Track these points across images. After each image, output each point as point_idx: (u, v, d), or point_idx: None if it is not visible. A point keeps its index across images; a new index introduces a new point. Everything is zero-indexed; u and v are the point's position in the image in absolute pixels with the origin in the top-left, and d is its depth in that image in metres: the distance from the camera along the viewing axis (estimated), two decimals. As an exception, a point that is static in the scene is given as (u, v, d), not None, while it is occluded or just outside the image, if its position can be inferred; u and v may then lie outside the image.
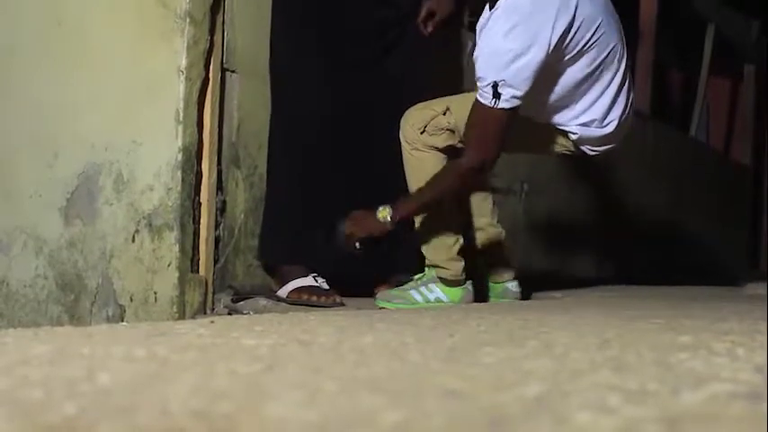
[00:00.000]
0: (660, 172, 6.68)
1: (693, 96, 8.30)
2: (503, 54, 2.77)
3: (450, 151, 3.17)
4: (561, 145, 3.15)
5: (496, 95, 2.79)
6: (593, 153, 3.16)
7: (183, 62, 3.14)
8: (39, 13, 3.48)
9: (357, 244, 3.03)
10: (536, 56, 2.78)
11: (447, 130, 3.15)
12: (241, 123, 3.37)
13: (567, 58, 2.90)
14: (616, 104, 3.06)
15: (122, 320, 3.08)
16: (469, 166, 2.95)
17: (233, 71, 3.33)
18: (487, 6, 2.89)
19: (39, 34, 3.47)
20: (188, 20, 3.14)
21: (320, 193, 3.32)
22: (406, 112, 3.19)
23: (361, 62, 3.33)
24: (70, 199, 3.30)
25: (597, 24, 2.91)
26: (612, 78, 3.03)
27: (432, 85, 3.40)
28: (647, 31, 6.93)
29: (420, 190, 3.06)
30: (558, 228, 5.25)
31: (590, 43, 2.91)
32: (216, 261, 3.21)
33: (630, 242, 6.20)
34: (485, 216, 3.41)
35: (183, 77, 3.14)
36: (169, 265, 3.05)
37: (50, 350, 1.42)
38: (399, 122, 3.20)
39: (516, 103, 2.82)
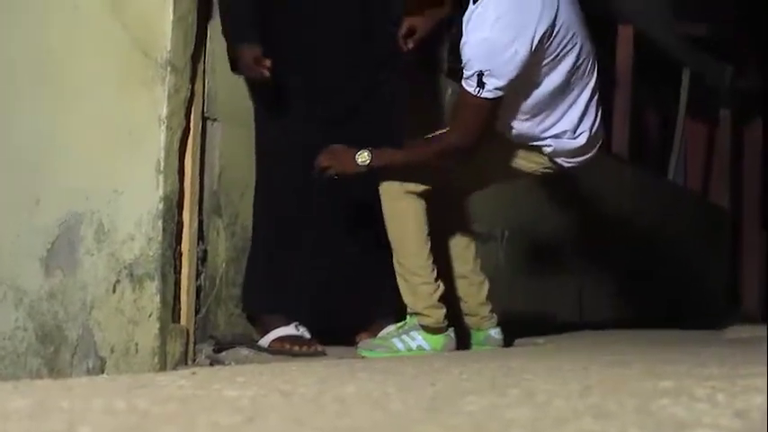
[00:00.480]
0: (639, 215, 6.72)
1: (671, 140, 8.38)
2: (489, 44, 2.82)
3: (428, 195, 3.18)
4: (537, 162, 3.17)
5: (481, 84, 2.84)
6: (570, 165, 3.19)
7: (164, 111, 3.15)
8: (20, 60, 3.49)
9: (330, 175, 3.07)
10: (521, 49, 2.83)
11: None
12: (222, 172, 3.37)
13: (546, 61, 2.94)
14: (586, 115, 3.11)
15: (103, 372, 3.06)
16: (449, 143, 3.00)
17: (214, 119, 3.34)
18: (471, 1, 2.93)
19: (20, 82, 3.48)
20: (169, 68, 3.16)
21: (301, 243, 3.32)
22: None
23: (337, 119, 3.32)
24: (51, 249, 3.29)
25: (573, 32, 2.96)
26: (583, 89, 3.08)
27: (406, 132, 3.40)
28: (623, 77, 7.00)
29: (405, 148, 3.10)
30: (539, 272, 5.26)
31: (566, 49, 2.96)
32: (197, 311, 3.20)
33: (611, 285, 6.21)
34: (467, 263, 3.42)
35: (163, 126, 3.15)
36: (150, 316, 3.04)
37: (30, 404, 1.41)
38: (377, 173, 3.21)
39: (499, 94, 2.87)
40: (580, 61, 3.01)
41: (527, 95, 3.00)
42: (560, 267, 5.57)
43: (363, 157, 3.02)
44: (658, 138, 9.26)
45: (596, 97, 3.13)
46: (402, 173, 3.09)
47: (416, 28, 3.27)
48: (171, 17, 3.14)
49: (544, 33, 2.86)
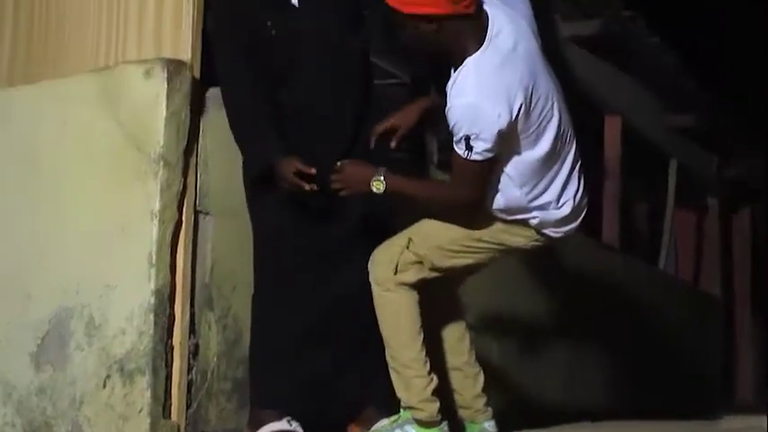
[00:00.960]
0: (631, 304, 6.71)
1: (660, 229, 8.42)
2: (472, 109, 2.84)
3: (421, 286, 3.17)
4: (525, 236, 3.17)
5: (469, 148, 2.87)
6: (558, 235, 3.20)
7: (157, 205, 3.17)
8: (13, 154, 3.51)
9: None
10: (503, 112, 2.84)
11: (416, 262, 3.17)
12: (214, 265, 3.37)
13: (530, 129, 2.95)
14: (569, 185, 3.12)
15: (92, 469, 3.02)
16: (452, 196, 3.06)
17: (206, 213, 3.35)
18: (452, 69, 2.97)
19: (13, 175, 3.50)
20: (161, 163, 3.18)
21: (296, 340, 3.30)
22: (372, 254, 3.20)
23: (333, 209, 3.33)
24: (41, 344, 3.27)
25: (552, 102, 3.00)
26: (565, 159, 3.10)
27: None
28: (611, 167, 7.07)
29: (418, 183, 3.16)
30: (531, 362, 5.23)
31: (547, 119, 2.98)
32: (188, 406, 3.17)
33: (603, 374, 6.17)
34: (462, 355, 3.39)
35: (156, 220, 3.17)
36: (141, 411, 3.00)
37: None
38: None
39: (488, 155, 2.89)
40: (561, 131, 3.05)
41: (513, 166, 3.02)
42: (552, 357, 5.54)
43: (378, 186, 3.02)
44: (648, 227, 9.32)
45: (578, 166, 3.17)
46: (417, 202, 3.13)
47: (398, 126, 3.29)
48: (164, 113, 3.18)
49: (525, 98, 2.89)
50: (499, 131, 2.85)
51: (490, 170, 2.97)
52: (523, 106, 2.88)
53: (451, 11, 2.84)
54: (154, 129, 3.19)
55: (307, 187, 3.06)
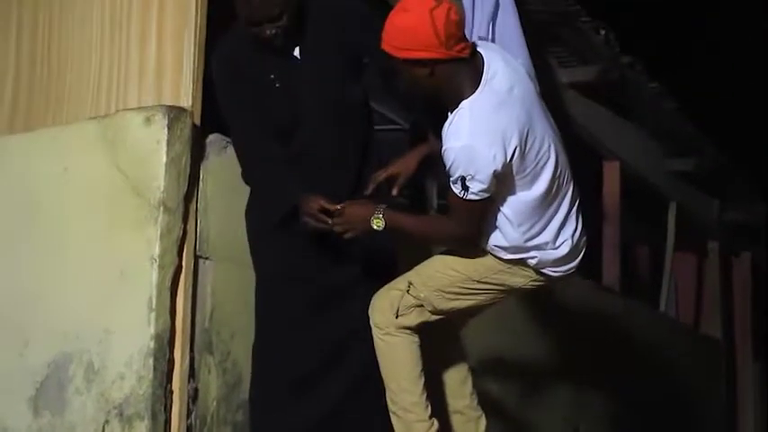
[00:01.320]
0: (632, 348, 6.70)
1: (661, 272, 8.42)
2: (467, 150, 2.85)
3: (422, 329, 3.17)
4: (525, 276, 3.17)
5: (465, 188, 2.88)
6: (558, 275, 3.19)
7: (157, 250, 3.19)
8: (14, 200, 3.53)
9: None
10: (498, 154, 2.86)
11: (416, 306, 3.17)
12: (214, 309, 3.38)
13: (527, 170, 2.96)
14: (567, 225, 3.12)
15: None
16: (449, 232, 3.07)
17: (206, 258, 3.37)
18: (449, 111, 2.99)
19: (13, 221, 3.51)
20: (162, 208, 3.20)
21: (296, 385, 3.29)
22: (372, 298, 3.21)
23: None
24: (39, 389, 3.26)
25: (549, 143, 3.02)
26: (562, 200, 3.11)
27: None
28: (611, 211, 7.08)
29: (417, 219, 3.17)
30: (532, 405, 5.21)
31: (544, 160, 2.99)
32: (188, 450, 3.16)
33: (605, 420, 6.14)
34: (464, 398, 3.38)
35: (156, 265, 3.18)
36: (139, 457, 3.00)
37: None
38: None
39: (485, 195, 2.89)
40: (558, 172, 3.05)
41: (510, 206, 3.03)
42: (554, 400, 5.52)
43: (378, 223, 3.04)
44: (648, 270, 9.31)
45: (575, 206, 3.17)
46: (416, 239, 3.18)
47: (398, 173, 3.32)
48: (164, 159, 3.20)
49: (520, 140, 2.90)
50: (494, 172, 2.87)
51: (487, 209, 2.98)
52: (519, 148, 2.90)
53: (444, 55, 2.86)
54: (154, 175, 3.21)
55: (331, 223, 3.06)
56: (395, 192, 3.30)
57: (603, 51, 6.07)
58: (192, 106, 3.36)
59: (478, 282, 3.15)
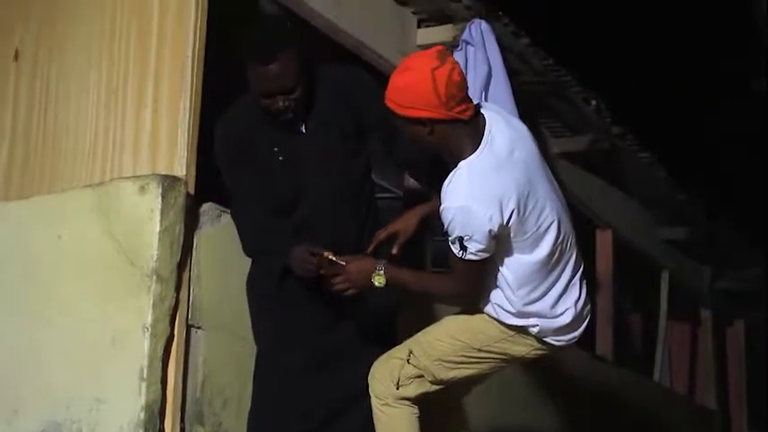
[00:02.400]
0: (626, 418, 6.65)
1: (654, 341, 8.39)
2: (464, 211, 2.83)
3: (422, 400, 3.15)
4: (527, 345, 3.14)
5: (463, 248, 2.87)
6: (560, 344, 3.16)
7: (149, 319, 3.18)
8: (7, 267, 3.53)
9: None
10: (495, 215, 2.85)
11: (417, 376, 3.15)
12: (206, 379, 3.35)
13: (526, 234, 2.95)
14: (569, 292, 3.09)
15: None
16: (448, 291, 3.09)
17: (198, 327, 3.35)
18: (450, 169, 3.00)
19: (7, 287, 3.50)
20: (155, 277, 3.20)
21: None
22: (372, 367, 3.19)
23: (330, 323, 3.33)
24: (28, 459, 3.23)
25: (551, 207, 3.00)
26: (565, 267, 3.07)
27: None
28: (604, 280, 7.08)
29: (417, 275, 3.15)
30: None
31: (546, 223, 2.97)
32: None
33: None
34: None
35: (148, 334, 3.17)
36: None
37: None
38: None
39: (483, 255, 2.88)
40: (560, 238, 3.03)
41: (510, 268, 3.01)
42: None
43: (380, 281, 3.05)
44: (642, 339, 9.28)
45: (579, 274, 3.14)
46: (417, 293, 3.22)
47: (399, 232, 3.32)
48: (158, 228, 3.21)
49: (518, 202, 2.89)
50: (491, 232, 2.86)
51: (485, 269, 2.97)
52: (517, 211, 2.88)
53: (444, 116, 2.86)
54: (147, 243, 3.22)
55: (322, 271, 3.07)
56: (395, 250, 3.31)
57: (594, 121, 6.13)
58: (187, 175, 3.38)
59: (480, 350, 3.13)
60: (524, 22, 5.24)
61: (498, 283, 3.03)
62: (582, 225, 6.74)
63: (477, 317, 3.14)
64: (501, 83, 4.71)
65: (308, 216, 3.26)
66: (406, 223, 3.33)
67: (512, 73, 4.90)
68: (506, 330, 3.10)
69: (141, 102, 3.55)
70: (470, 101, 2.93)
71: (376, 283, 3.04)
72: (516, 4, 5.35)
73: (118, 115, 3.59)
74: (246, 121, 3.25)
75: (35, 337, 3.40)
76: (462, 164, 2.89)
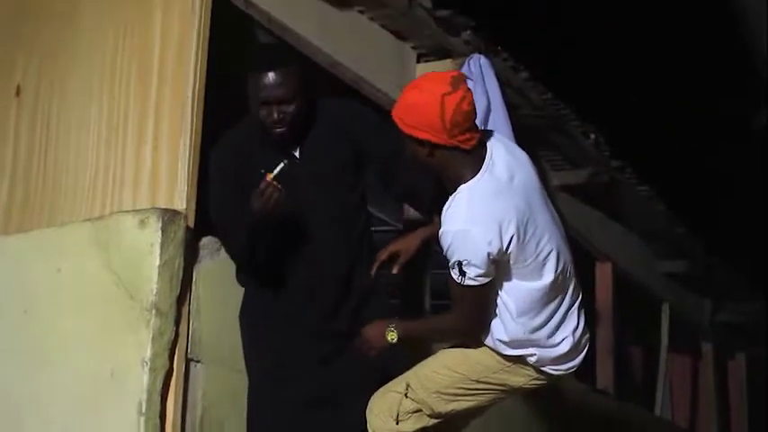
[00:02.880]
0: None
1: (655, 374, 8.37)
2: (463, 235, 2.83)
3: None
4: (526, 376, 3.13)
5: (462, 273, 2.85)
6: (559, 373, 3.14)
7: (148, 353, 3.17)
8: (6, 301, 3.53)
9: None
10: (494, 240, 2.84)
11: (415, 410, 3.13)
12: (205, 413, 3.35)
13: (526, 261, 2.94)
14: (567, 321, 3.08)
15: None
16: (455, 325, 3.06)
17: (198, 361, 3.35)
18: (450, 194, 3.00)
19: (6, 321, 3.50)
20: (154, 311, 3.20)
21: None
22: (370, 401, 3.18)
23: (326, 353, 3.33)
24: (25, 495, 3.21)
25: (551, 238, 2.99)
26: (564, 296, 3.06)
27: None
28: (604, 313, 7.07)
29: (424, 321, 3.26)
30: None
31: (545, 253, 2.96)
32: None
33: None
34: None
35: (147, 368, 3.16)
36: None
37: None
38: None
39: (483, 280, 2.87)
40: (560, 267, 3.02)
41: (511, 296, 3.00)
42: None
43: (392, 336, 3.08)
44: (643, 372, 9.25)
45: (577, 303, 3.13)
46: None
47: (399, 252, 3.32)
48: (157, 261, 3.21)
49: (518, 228, 2.88)
50: (490, 257, 2.85)
51: (486, 296, 2.96)
52: (516, 236, 2.87)
53: (446, 142, 2.86)
54: (147, 277, 3.22)
55: (276, 195, 3.02)
56: (395, 270, 3.31)
57: (594, 155, 6.15)
58: (187, 209, 3.39)
59: (478, 381, 3.12)
60: (523, 56, 5.28)
61: (498, 311, 3.02)
62: (581, 257, 6.76)
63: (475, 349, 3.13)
64: (500, 117, 4.73)
65: (299, 242, 3.26)
66: (408, 244, 3.33)
67: (511, 107, 4.93)
68: (504, 361, 3.09)
69: (142, 138, 3.56)
70: (476, 130, 2.92)
71: (390, 340, 3.08)
72: (515, 39, 5.39)
73: (118, 151, 3.61)
74: (242, 146, 3.27)
75: (34, 370, 3.40)
76: (462, 188, 2.89)
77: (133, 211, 3.38)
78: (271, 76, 3.12)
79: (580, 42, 10.06)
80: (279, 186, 3.01)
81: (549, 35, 9.70)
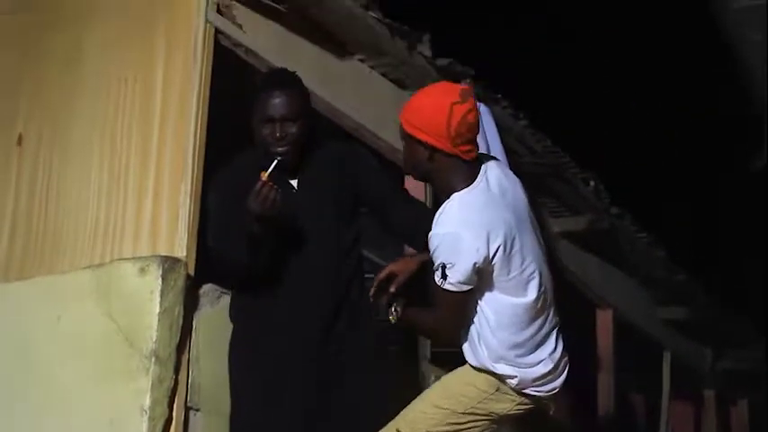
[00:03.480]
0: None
1: (657, 421, 8.33)
2: (451, 238, 2.89)
3: None
4: (510, 401, 3.13)
5: (444, 276, 2.91)
6: (541, 395, 3.15)
7: (147, 401, 3.16)
8: (6, 348, 3.52)
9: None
10: (482, 247, 2.89)
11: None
12: (203, 462, 3.33)
13: (510, 275, 2.98)
14: (545, 344, 3.11)
15: None
16: (432, 328, 3.11)
17: (197, 409, 3.34)
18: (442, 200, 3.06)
19: (6, 368, 3.50)
20: (153, 359, 3.19)
21: None
22: None
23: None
24: None
25: (535, 259, 3.04)
26: (545, 320, 3.10)
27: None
28: (605, 360, 7.05)
29: (419, 315, 3.14)
30: None
31: (528, 271, 3.01)
32: None
33: None
34: None
35: (146, 417, 3.15)
36: None
37: None
38: None
39: (462, 288, 2.92)
40: (542, 288, 3.06)
41: (493, 308, 3.03)
42: None
43: (393, 318, 3.12)
44: (645, 419, 9.21)
45: (555, 329, 3.16)
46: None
47: (397, 273, 3.33)
48: (157, 309, 3.22)
49: (505, 240, 2.94)
50: (475, 264, 2.90)
51: (465, 303, 3.00)
52: (502, 247, 2.93)
53: (447, 149, 2.94)
54: (147, 325, 3.22)
55: (273, 194, 3.01)
56: (392, 289, 3.31)
57: (593, 202, 6.17)
58: (187, 257, 3.39)
59: (465, 414, 3.11)
60: (523, 103, 5.32)
61: (479, 324, 3.05)
62: (582, 305, 6.76)
63: (455, 380, 3.15)
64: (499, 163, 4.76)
65: (290, 272, 3.24)
66: (406, 265, 3.33)
67: (510, 154, 4.96)
68: (486, 389, 3.11)
69: (143, 186, 3.58)
70: (476, 145, 3.00)
71: (390, 319, 3.11)
72: (514, 87, 5.43)
73: (119, 199, 3.63)
74: (242, 173, 3.27)
75: (33, 418, 3.39)
76: (455, 196, 2.97)
77: (134, 258, 3.39)
78: (277, 94, 3.20)
79: (580, 90, 10.12)
80: (274, 186, 3.03)
81: (548, 82, 9.76)
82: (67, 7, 4.00)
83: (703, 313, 8.19)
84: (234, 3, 3.85)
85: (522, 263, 3.00)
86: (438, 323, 3.06)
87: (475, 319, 3.06)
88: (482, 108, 4.81)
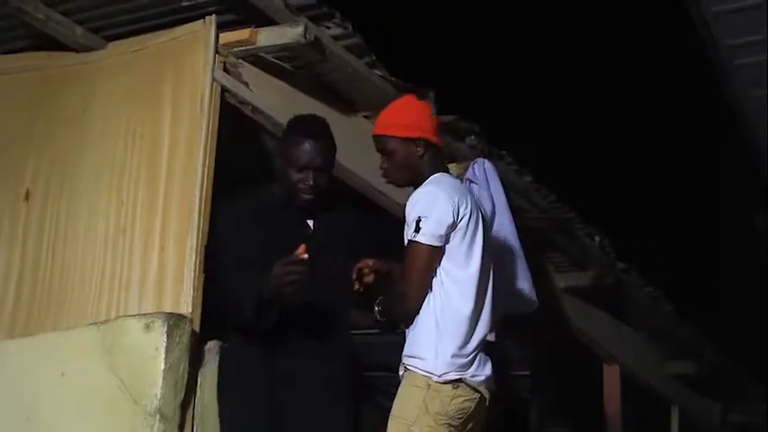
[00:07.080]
0: None
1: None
2: (430, 194, 3.12)
3: None
4: (467, 397, 3.13)
5: (417, 230, 3.08)
6: (480, 383, 3.16)
7: (154, 460, 3.14)
8: (10, 404, 3.51)
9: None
10: (453, 209, 3.09)
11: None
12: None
13: (461, 251, 3.12)
14: (478, 331, 3.17)
15: None
16: (403, 287, 3.14)
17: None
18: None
19: (10, 425, 3.48)
20: (158, 416, 3.18)
21: None
22: None
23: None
24: None
25: (481, 261, 3.16)
26: (484, 313, 3.19)
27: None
28: (612, 416, 6.99)
29: (392, 292, 3.23)
30: None
31: (474, 263, 3.14)
32: None
33: None
34: None
35: (153, 477, 3.13)
36: None
37: None
38: None
39: (435, 241, 3.07)
40: (485, 300, 3.18)
41: (452, 278, 3.13)
42: None
43: (376, 316, 3.23)
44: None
45: (490, 335, 3.26)
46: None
47: (374, 262, 3.32)
48: (162, 366, 3.21)
49: (470, 214, 3.14)
50: (450, 219, 3.09)
51: (432, 262, 3.10)
52: (467, 218, 3.13)
53: (436, 141, 3.26)
54: (151, 382, 3.21)
55: (297, 278, 3.07)
56: (367, 270, 3.32)
57: (599, 257, 6.17)
58: (192, 313, 3.40)
59: (436, 424, 3.08)
60: (527, 160, 5.34)
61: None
62: (589, 360, 6.72)
63: (406, 394, 3.12)
64: (505, 219, 4.76)
65: (292, 308, 3.24)
66: (389, 264, 3.36)
67: (515, 210, 4.97)
68: (446, 387, 3.11)
69: (149, 240, 3.60)
70: None
71: (376, 315, 3.21)
72: (518, 143, 5.46)
73: (125, 254, 3.64)
74: (254, 207, 3.37)
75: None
76: (430, 177, 3.21)
77: (138, 314, 3.39)
78: (313, 143, 3.33)
79: (583, 145, 10.18)
80: (303, 269, 3.07)
81: (552, 139, 9.82)
82: (75, 64, 4.04)
83: (711, 367, 8.15)
84: (240, 61, 3.88)
85: (473, 247, 3.15)
86: (406, 285, 3.12)
87: (442, 291, 3.15)
88: (486, 164, 4.83)
